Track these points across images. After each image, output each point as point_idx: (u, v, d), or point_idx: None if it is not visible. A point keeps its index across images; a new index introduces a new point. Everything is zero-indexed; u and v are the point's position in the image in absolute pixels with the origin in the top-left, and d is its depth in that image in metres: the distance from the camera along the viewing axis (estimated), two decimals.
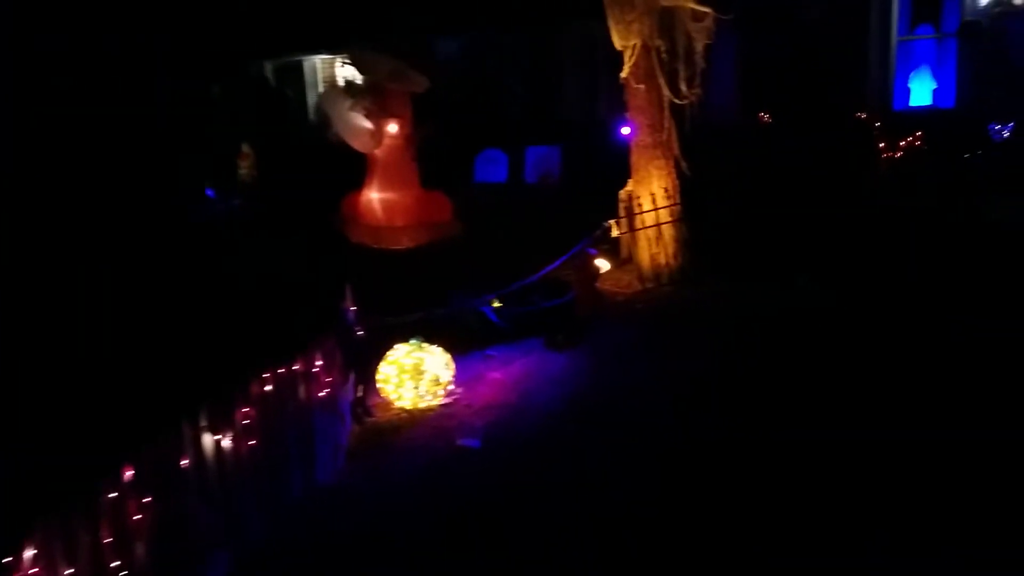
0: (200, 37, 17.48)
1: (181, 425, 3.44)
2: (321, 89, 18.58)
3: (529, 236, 9.03)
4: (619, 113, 15.21)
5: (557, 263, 6.26)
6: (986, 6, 12.36)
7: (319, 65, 18.63)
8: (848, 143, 10.89)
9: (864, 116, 12.08)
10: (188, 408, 3.52)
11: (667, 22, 6.76)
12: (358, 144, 9.04)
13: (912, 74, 13.44)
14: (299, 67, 19.07)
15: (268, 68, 19.41)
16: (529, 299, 6.16)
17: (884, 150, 11.11)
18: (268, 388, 3.95)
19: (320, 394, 4.34)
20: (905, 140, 11.27)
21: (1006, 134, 11.36)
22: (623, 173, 8.94)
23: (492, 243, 8.88)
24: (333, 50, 16.30)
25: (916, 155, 11.17)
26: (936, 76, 13.35)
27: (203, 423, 3.51)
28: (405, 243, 8.95)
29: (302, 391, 4.23)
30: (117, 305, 6.77)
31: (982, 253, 7.13)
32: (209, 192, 13.12)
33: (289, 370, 4.14)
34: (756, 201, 8.68)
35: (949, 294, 6.05)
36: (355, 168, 9.60)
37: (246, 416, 3.74)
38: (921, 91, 13.38)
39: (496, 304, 6.05)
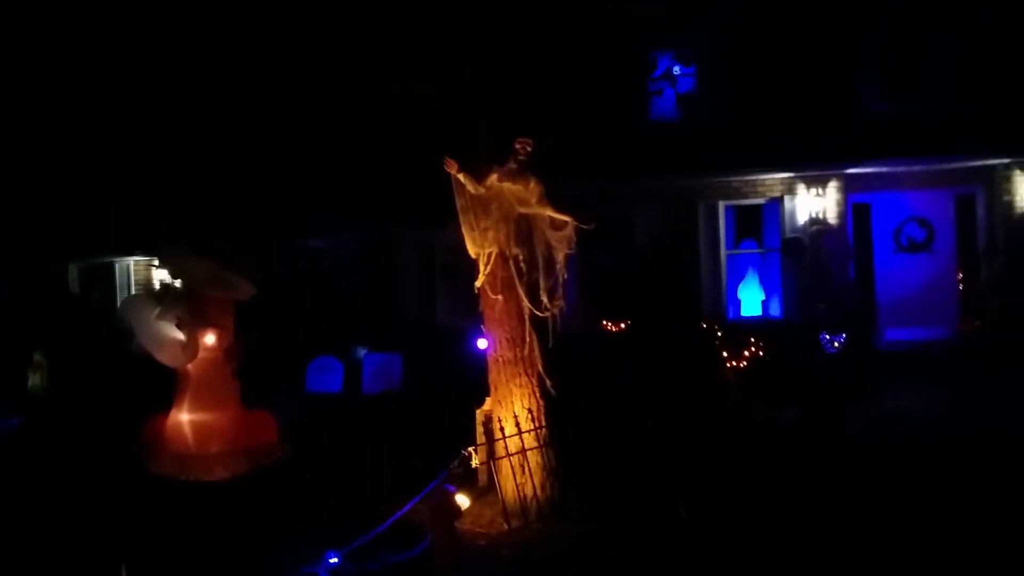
0: None
1: None
2: (134, 292, 17.08)
3: (370, 460, 7.95)
4: (459, 320, 14.81)
5: (409, 505, 5.17)
6: (804, 224, 13.16)
7: (132, 267, 17.19)
8: (696, 353, 10.75)
9: (705, 326, 12.18)
10: None
11: (525, 230, 6.28)
12: (166, 358, 7.75)
13: (740, 285, 13.94)
14: (110, 268, 17.55)
15: (72, 268, 17.75)
16: (374, 553, 4.98)
17: (728, 359, 11.08)
18: None
19: None
20: (748, 349, 11.33)
21: (836, 344, 11.70)
22: (470, 383, 8.15)
23: (326, 470, 7.67)
24: (147, 251, 15.07)
25: (759, 364, 11.22)
26: (763, 287, 13.90)
27: None
28: (219, 473, 7.53)
29: None
30: None
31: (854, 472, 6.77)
32: None
33: None
34: (617, 419, 8.10)
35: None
36: (166, 385, 8.25)
37: None
38: (751, 301, 13.83)
39: (332, 562, 4.83)
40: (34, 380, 14.04)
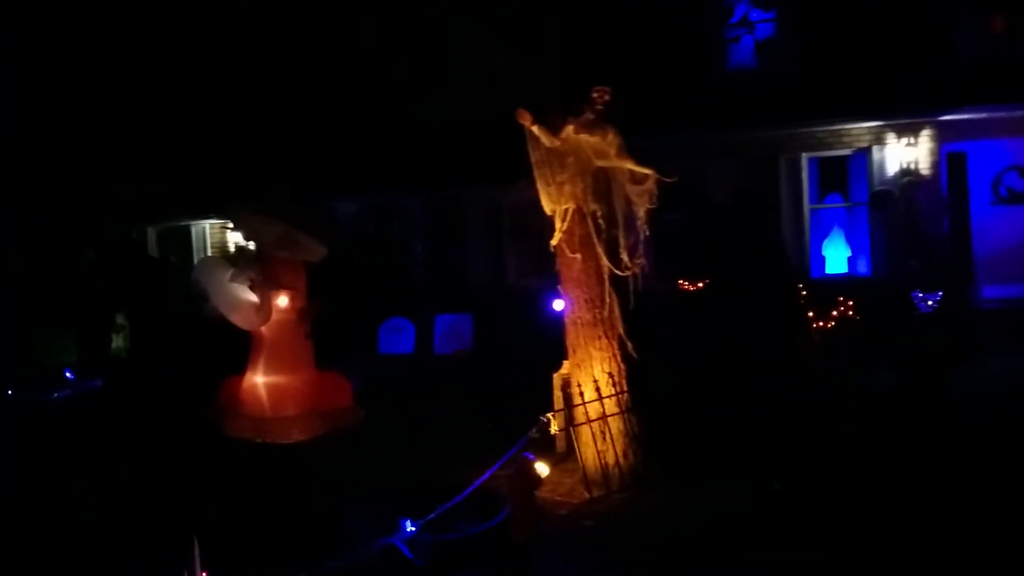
0: (71, 198, 16.22)
1: None
2: (212, 255, 17.32)
3: (444, 424, 7.83)
4: (529, 279, 14.57)
5: (488, 474, 4.97)
6: (894, 176, 12.42)
7: (208, 230, 17.41)
8: (779, 314, 10.27)
9: (789, 285, 11.63)
10: None
11: (603, 185, 5.93)
12: (240, 320, 7.72)
13: (825, 242, 13.30)
14: (186, 231, 17.82)
15: (151, 232, 18.10)
16: (451, 523, 4.81)
17: (813, 320, 10.55)
18: None
19: None
20: (834, 309, 10.78)
21: (931, 303, 11.05)
22: (542, 345, 7.90)
23: (400, 435, 7.57)
24: (219, 214, 15.21)
25: (847, 325, 10.67)
26: (849, 244, 13.23)
27: None
28: (295, 436, 7.50)
29: None
30: None
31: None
32: (67, 372, 11.33)
33: None
34: (697, 384, 7.77)
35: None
36: (241, 347, 8.25)
37: None
38: (836, 258, 13.19)
39: (409, 530, 4.67)
40: (116, 342, 14.43)
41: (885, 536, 4.73)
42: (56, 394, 10.69)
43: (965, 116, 12.20)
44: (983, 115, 12.21)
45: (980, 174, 12.93)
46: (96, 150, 16.58)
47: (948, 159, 12.73)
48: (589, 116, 5.82)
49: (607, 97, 5.78)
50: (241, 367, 8.08)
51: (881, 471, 5.75)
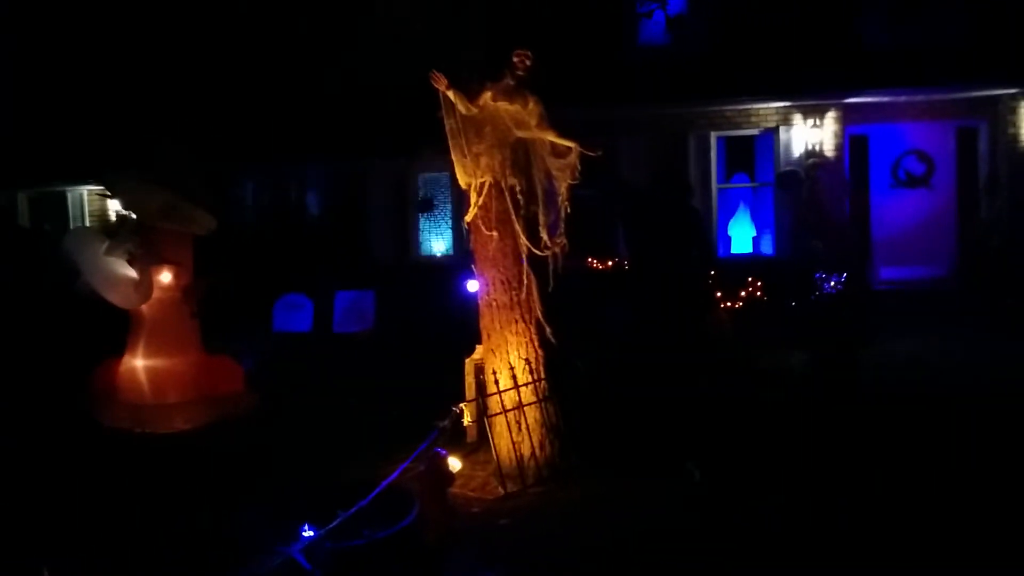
0: None
1: None
2: (88, 224, 16.04)
3: (346, 411, 7.33)
4: (435, 257, 14.07)
5: (396, 473, 4.52)
6: (800, 157, 12.50)
7: (86, 197, 16.10)
8: (687, 293, 10.16)
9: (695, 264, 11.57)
10: None
11: (523, 157, 5.52)
12: (117, 298, 6.97)
13: (731, 221, 13.33)
14: (62, 198, 16.43)
15: (22, 198, 16.62)
16: (354, 526, 4.35)
17: (721, 300, 10.51)
18: None
19: None
20: (742, 289, 10.77)
21: (834, 284, 11.17)
22: (447, 325, 7.54)
23: (297, 423, 7.03)
24: (97, 180, 14.03)
25: (754, 305, 10.69)
26: (754, 223, 13.30)
27: None
28: (179, 425, 6.85)
29: None
30: None
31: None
32: None
33: None
34: (608, 367, 7.54)
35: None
36: (123, 327, 7.48)
37: None
38: (742, 238, 13.24)
39: (307, 535, 4.19)
40: None
41: (811, 527, 4.56)
42: None
43: (868, 99, 12.38)
44: (885, 99, 12.42)
45: (881, 157, 13.21)
46: None
47: (851, 142, 12.94)
48: (509, 82, 5.38)
49: (529, 62, 5.36)
50: (118, 350, 7.33)
51: (802, 456, 5.63)
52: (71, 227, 15.86)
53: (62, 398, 7.35)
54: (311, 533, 4.21)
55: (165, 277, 7.06)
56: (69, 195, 16.28)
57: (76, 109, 14.12)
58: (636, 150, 13.14)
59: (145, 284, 6.90)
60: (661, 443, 5.90)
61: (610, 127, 12.85)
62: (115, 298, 6.98)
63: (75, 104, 14.24)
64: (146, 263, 6.89)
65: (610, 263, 11.98)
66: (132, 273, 6.93)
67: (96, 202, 16.13)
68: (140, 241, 6.95)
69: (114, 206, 15.53)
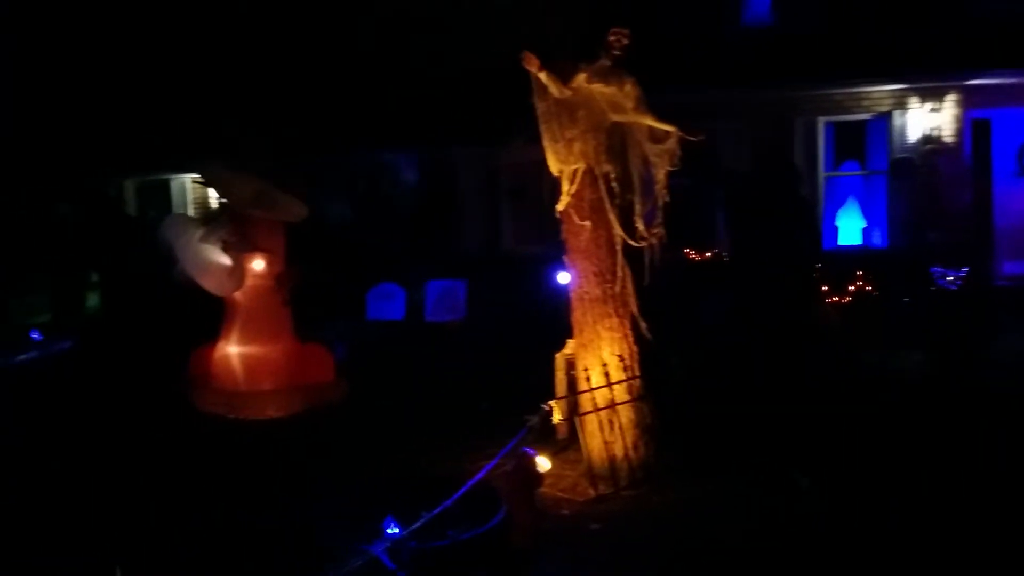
0: (47, 150, 15.43)
1: None
2: (192, 212, 16.57)
3: (435, 402, 7.22)
4: (527, 247, 13.88)
5: (481, 473, 4.34)
6: (916, 143, 11.72)
7: (189, 185, 16.60)
8: (792, 286, 9.64)
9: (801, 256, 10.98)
10: None
11: (618, 143, 5.24)
12: (211, 284, 7.03)
13: (840, 211, 12.64)
14: (166, 186, 17.01)
15: (129, 186, 17.29)
16: (439, 525, 4.19)
17: (828, 294, 9.94)
18: None
19: None
20: (851, 283, 10.16)
21: (951, 278, 10.42)
22: (541, 317, 7.32)
23: (386, 413, 6.95)
24: (191, 168, 14.42)
25: (865, 300, 10.06)
26: (864, 214, 12.58)
27: None
28: (270, 413, 6.87)
29: None
30: None
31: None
32: (34, 333, 10.67)
33: None
34: (706, 363, 7.19)
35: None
36: (216, 313, 7.57)
37: None
38: (850, 229, 12.54)
39: (391, 532, 4.05)
40: (92, 300, 13.77)
41: (927, 543, 4.15)
42: (21, 357, 10.04)
43: (992, 81, 11.49)
44: (1011, 80, 11.48)
45: (1005, 143, 12.23)
46: (74, 100, 15.76)
47: (972, 126, 12.03)
48: (605, 63, 5.10)
49: (626, 41, 5.06)
50: (216, 335, 7.43)
51: (917, 464, 5.17)
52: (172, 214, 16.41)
53: (161, 382, 7.50)
54: (396, 530, 4.08)
55: (257, 264, 7.08)
56: (173, 183, 16.83)
57: (175, 98, 14.55)
58: (738, 136, 12.58)
59: (238, 271, 6.94)
60: (763, 446, 5.55)
61: (711, 111, 12.32)
62: (209, 285, 7.05)
63: (174, 93, 14.67)
64: (239, 250, 6.93)
65: (709, 254, 11.52)
66: (226, 260, 6.98)
67: (199, 190, 16.61)
68: (233, 229, 7.00)
69: (215, 194, 15.97)
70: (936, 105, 11.71)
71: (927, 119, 11.74)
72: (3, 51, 15.46)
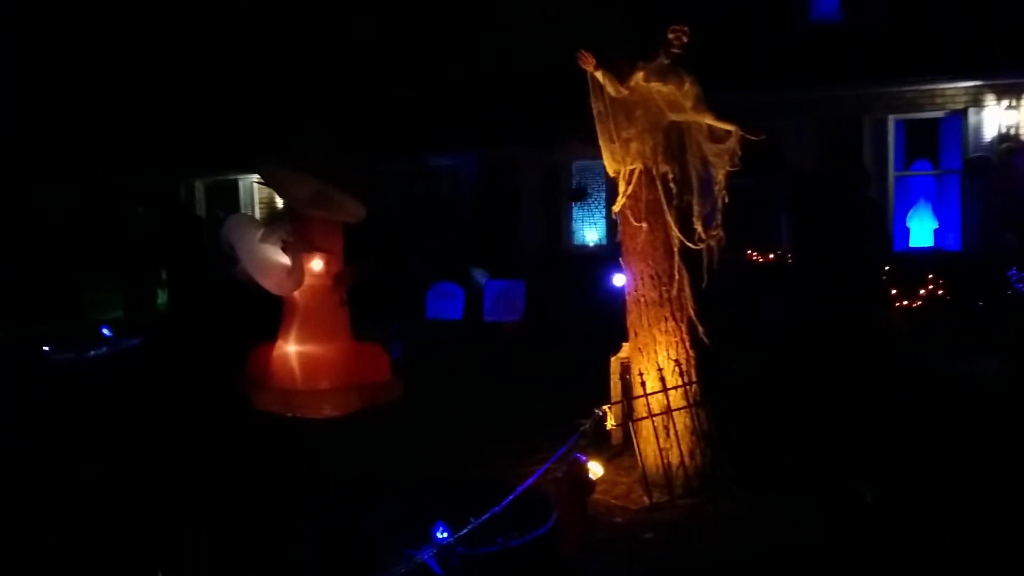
0: (122, 152, 15.94)
1: None
2: (258, 212, 16.93)
3: (490, 402, 7.20)
4: (585, 248, 13.77)
5: (533, 478, 4.28)
6: (992, 141, 11.25)
7: (255, 185, 16.94)
8: (859, 290, 9.32)
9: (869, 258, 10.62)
10: None
11: (676, 142, 5.11)
12: (270, 284, 7.14)
13: (910, 212, 12.20)
14: (234, 186, 17.40)
15: (199, 186, 17.75)
16: (488, 531, 4.14)
17: (897, 298, 9.59)
18: None
19: None
20: (922, 287, 9.79)
21: None
22: (598, 319, 7.21)
23: (440, 414, 6.94)
24: (249, 169, 14.68)
25: (936, 305, 9.67)
26: (936, 215, 12.12)
27: None
28: (327, 412, 6.93)
29: None
30: None
31: None
32: (104, 329, 11.01)
33: None
34: (768, 368, 6.99)
35: None
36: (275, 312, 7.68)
37: None
38: (922, 231, 12.10)
39: (440, 536, 4.02)
40: (161, 298, 14.18)
41: (1004, 564, 3.94)
42: (92, 352, 10.37)
43: None
44: None
45: None
46: (145, 101, 16.23)
47: None
48: (663, 61, 4.98)
49: (685, 39, 4.93)
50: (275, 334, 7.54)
51: (992, 478, 4.92)
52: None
53: (221, 380, 7.65)
54: (445, 535, 4.05)
55: (316, 264, 7.15)
56: (240, 183, 17.21)
57: (239, 99, 14.87)
58: (802, 135, 12.28)
59: (297, 271, 7.02)
60: (826, 456, 5.34)
61: (773, 110, 12.05)
62: (269, 284, 7.15)
63: (238, 94, 14.99)
64: (298, 250, 7.01)
65: (771, 256, 11.24)
66: (285, 260, 7.07)
67: (265, 190, 16.94)
68: (292, 229, 7.08)
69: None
70: (1014, 102, 11.22)
71: (1004, 116, 11.26)
72: (77, 57, 15.98)
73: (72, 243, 15.41)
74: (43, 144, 16.05)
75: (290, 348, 7.27)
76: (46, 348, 10.16)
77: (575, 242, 14.23)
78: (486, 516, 4.01)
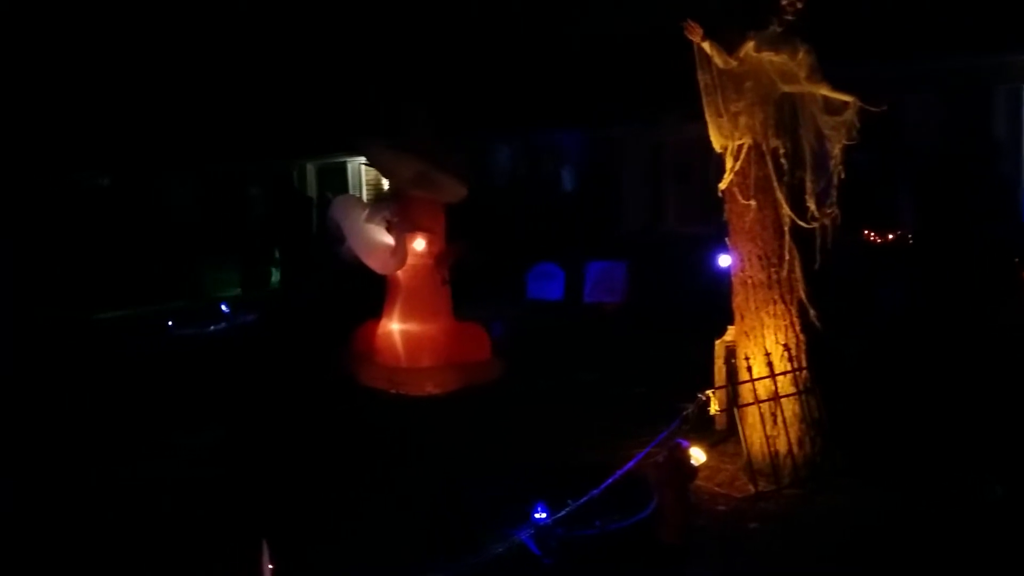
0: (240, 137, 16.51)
1: None
2: (365, 193, 17.31)
3: (590, 383, 7.13)
4: (690, 227, 13.44)
5: (633, 462, 4.19)
6: None
7: (363, 167, 17.31)
8: (989, 275, 8.73)
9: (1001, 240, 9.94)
10: None
11: (788, 115, 4.87)
12: (375, 263, 7.26)
13: None
14: (343, 168, 17.85)
15: (311, 169, 18.29)
16: (587, 514, 4.09)
17: None
18: None
19: None
20: None
21: None
22: (701, 302, 7.01)
23: (540, 394, 6.91)
24: (354, 150, 14.94)
25: None
26: None
27: None
28: (429, 390, 7.02)
29: None
30: None
31: None
32: (223, 306, 11.51)
33: None
34: (886, 355, 6.64)
35: None
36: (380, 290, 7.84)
37: None
38: None
39: (538, 517, 3.99)
40: (276, 276, 14.72)
41: None
42: (212, 328, 10.86)
43: None
44: None
45: None
46: (258, 86, 16.76)
47: None
48: (776, 29, 4.72)
49: (800, 5, 4.66)
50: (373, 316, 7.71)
51: None
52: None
53: (329, 355, 7.86)
54: (543, 515, 4.02)
55: (419, 244, 7.23)
56: (349, 166, 17.63)
57: (346, 83, 15.15)
58: (926, 107, 11.53)
59: (400, 250, 7.11)
60: (947, 448, 5.03)
61: (893, 81, 11.36)
62: (373, 263, 7.27)
63: (345, 78, 15.28)
64: (401, 230, 7.09)
65: (890, 236, 10.67)
66: (389, 240, 7.17)
67: (372, 171, 17.29)
68: (396, 209, 7.17)
69: None
70: None
71: None
72: (197, 50, 16.62)
73: (195, 226, 16.16)
74: (166, 133, 16.81)
75: (393, 326, 7.39)
76: (170, 323, 10.70)
77: (676, 222, 13.90)
78: (585, 499, 3.96)
